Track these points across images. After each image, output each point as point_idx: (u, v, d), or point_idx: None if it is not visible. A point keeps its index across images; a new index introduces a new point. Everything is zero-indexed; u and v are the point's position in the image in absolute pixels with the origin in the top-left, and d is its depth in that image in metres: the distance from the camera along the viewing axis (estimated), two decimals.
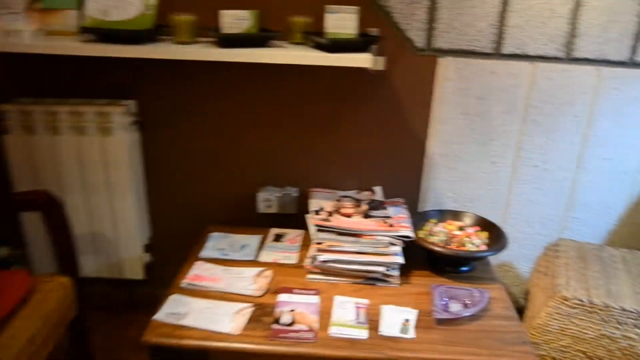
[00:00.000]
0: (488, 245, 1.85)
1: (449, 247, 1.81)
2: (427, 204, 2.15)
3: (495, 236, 1.88)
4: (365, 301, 1.67)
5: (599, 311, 1.62)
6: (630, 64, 1.94)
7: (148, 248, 2.22)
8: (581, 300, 1.64)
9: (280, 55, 1.71)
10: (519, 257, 2.23)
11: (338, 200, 2.00)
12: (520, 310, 2.06)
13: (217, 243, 1.99)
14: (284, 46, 1.80)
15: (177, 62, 1.93)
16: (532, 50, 1.91)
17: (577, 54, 1.92)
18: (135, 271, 2.18)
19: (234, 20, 1.70)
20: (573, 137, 2.03)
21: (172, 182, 2.18)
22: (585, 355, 1.69)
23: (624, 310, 1.60)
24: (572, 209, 2.15)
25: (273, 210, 2.17)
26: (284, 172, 2.15)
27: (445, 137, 2.04)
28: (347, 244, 1.78)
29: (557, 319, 1.68)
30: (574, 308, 1.65)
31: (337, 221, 1.85)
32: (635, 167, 2.08)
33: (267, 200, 2.16)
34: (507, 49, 1.91)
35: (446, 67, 1.94)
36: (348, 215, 1.91)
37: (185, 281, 1.73)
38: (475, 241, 1.86)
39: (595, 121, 2.01)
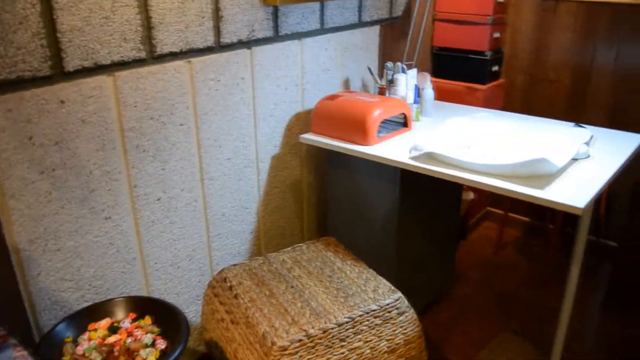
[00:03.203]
0: (163, 335, 1.42)
1: None
2: (47, 316, 1.48)
3: (163, 315, 1.46)
4: None
5: (319, 340, 1.50)
6: (218, 47, 1.76)
7: None
8: (300, 340, 1.47)
9: None
10: (180, 304, 1.85)
11: None
12: None
13: None
14: None
15: None
16: (106, 57, 1.44)
17: (161, 49, 1.56)
18: None
19: None
20: (187, 149, 1.72)
21: None
22: None
23: (340, 325, 1.53)
24: (212, 226, 1.89)
25: None
26: None
27: (29, 214, 1.38)
28: None
29: None
30: (297, 352, 1.47)
31: None
32: (255, 156, 1.98)
33: None
34: (71, 64, 1.37)
35: None
36: None
37: None
38: (145, 339, 1.41)
39: (204, 122, 1.74)
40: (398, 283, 1.99)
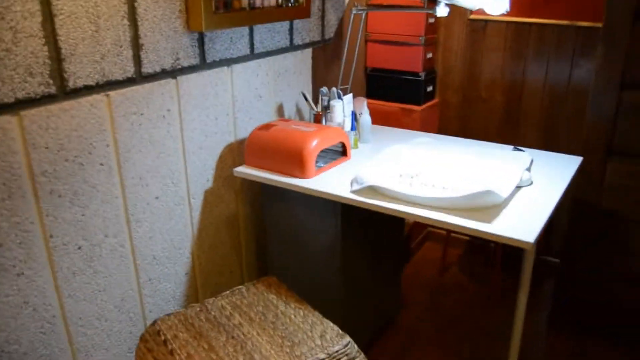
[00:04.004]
0: None
1: None
2: None
3: None
4: None
5: None
6: (140, 78, 1.61)
7: None
8: None
9: None
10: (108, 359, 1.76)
11: None
12: None
13: None
14: None
15: None
16: (8, 95, 1.27)
17: (74, 83, 1.40)
18: None
19: None
20: (109, 191, 1.56)
21: None
22: None
23: None
24: (142, 272, 1.72)
25: None
26: None
27: None
28: None
29: None
30: None
31: None
32: (186, 192, 1.82)
33: None
34: None
35: None
36: None
37: None
38: None
39: (126, 160, 1.59)
40: (345, 318, 1.91)
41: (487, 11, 1.86)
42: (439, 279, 2.82)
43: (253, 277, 2.26)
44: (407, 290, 2.70)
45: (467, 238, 3.03)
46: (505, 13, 1.86)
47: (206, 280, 2.03)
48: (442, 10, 1.89)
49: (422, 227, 3.08)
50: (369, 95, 2.78)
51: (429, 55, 2.64)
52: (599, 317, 2.31)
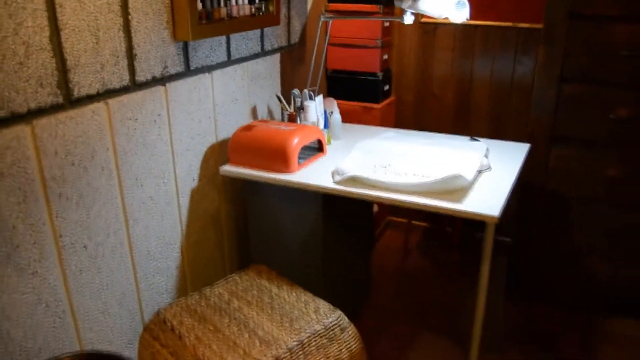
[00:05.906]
0: None
1: None
2: None
3: None
4: None
5: None
6: (135, 86, 1.71)
7: None
8: None
9: None
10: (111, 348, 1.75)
11: None
12: None
13: None
14: None
15: None
16: (22, 105, 1.35)
17: (78, 92, 1.50)
18: None
19: None
20: (109, 192, 1.65)
21: None
22: None
23: (291, 350, 1.50)
24: (139, 266, 1.82)
25: None
26: None
27: None
28: None
29: None
30: None
31: None
32: (175, 191, 1.93)
33: None
34: None
35: None
36: None
37: None
38: None
39: (124, 163, 1.69)
40: (326, 299, 2.06)
41: (451, 20, 2.08)
42: (402, 263, 3.03)
43: (235, 268, 2.39)
44: (374, 275, 2.89)
45: (425, 225, 3.27)
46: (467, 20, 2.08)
47: (195, 274, 2.14)
48: (408, 19, 2.09)
49: (383, 217, 3.29)
50: (330, 94, 2.95)
51: (385, 56, 2.84)
52: (548, 286, 2.58)
